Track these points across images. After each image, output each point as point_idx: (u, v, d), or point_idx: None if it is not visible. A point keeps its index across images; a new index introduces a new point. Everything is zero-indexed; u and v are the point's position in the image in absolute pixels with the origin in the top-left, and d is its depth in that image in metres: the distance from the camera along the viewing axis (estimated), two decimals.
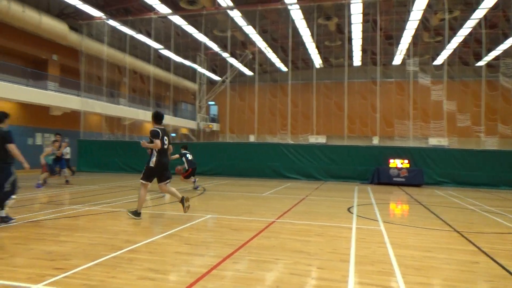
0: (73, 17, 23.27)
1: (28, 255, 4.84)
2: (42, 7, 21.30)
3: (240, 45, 31.12)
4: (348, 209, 9.24)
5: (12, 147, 6.59)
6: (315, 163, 18.33)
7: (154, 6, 22.26)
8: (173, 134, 36.93)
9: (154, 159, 7.31)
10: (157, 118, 7.59)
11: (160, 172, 7.42)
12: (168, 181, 7.55)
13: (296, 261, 4.72)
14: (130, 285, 3.78)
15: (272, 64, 36.48)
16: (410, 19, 23.28)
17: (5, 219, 6.66)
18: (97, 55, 24.66)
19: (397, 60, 33.26)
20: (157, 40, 26.93)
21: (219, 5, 22.16)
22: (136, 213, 7.32)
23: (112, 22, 23.90)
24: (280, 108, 36.26)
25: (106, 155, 20.25)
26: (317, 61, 34.08)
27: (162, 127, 7.52)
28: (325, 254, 5.10)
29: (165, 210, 8.64)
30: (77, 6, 21.44)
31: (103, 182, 15.28)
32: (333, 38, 30.01)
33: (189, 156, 12.93)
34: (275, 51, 32.42)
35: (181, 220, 7.34)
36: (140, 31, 26.21)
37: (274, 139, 31.09)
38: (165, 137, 7.45)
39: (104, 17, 23.02)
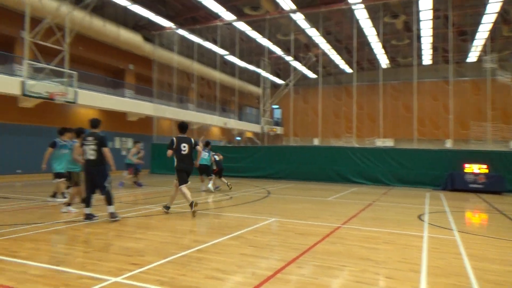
0: (147, 29, 24.83)
1: (108, 250, 5.27)
2: (120, 20, 23.04)
3: (304, 48, 30.98)
4: (419, 217, 8.77)
5: (107, 151, 7.28)
6: (383, 167, 17.63)
7: (219, 14, 23.01)
8: (238, 138, 37.76)
9: (175, 164, 8.26)
10: (179, 127, 8.40)
11: (182, 174, 8.18)
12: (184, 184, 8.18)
13: (363, 269, 4.59)
14: (199, 284, 3.95)
15: (336, 66, 35.82)
16: (486, 12, 21.50)
17: (90, 216, 7.32)
18: (167, 63, 26.06)
19: (472, 57, 30.88)
20: (222, 46, 27.78)
21: (282, 9, 22.31)
22: (192, 205, 7.90)
23: (181, 31, 25.12)
24: (344, 111, 35.44)
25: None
26: (384, 61, 32.81)
27: (183, 136, 8.27)
28: (394, 263, 4.91)
29: (231, 212, 8.87)
30: (150, 18, 22.88)
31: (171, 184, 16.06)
32: (400, 37, 28.71)
33: (217, 157, 13.70)
34: (339, 52, 31.81)
35: (246, 222, 7.49)
36: (206, 39, 27.22)
37: (339, 142, 30.41)
38: (184, 144, 8.15)
39: (174, 27, 24.27)
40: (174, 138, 8.20)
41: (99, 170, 7.29)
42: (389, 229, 7.17)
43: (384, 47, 29.31)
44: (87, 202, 7.34)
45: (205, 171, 13.07)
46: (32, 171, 16.65)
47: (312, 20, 24.11)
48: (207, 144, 13.40)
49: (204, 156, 12.81)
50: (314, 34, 26.15)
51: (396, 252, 5.47)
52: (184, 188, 8.11)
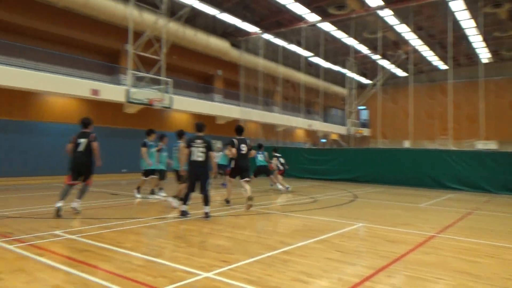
0: (234, 35, 25.84)
1: (200, 246, 5.60)
2: (209, 29, 24.33)
3: (392, 45, 29.49)
4: None
5: (213, 155, 7.90)
6: (484, 172, 15.94)
7: (304, 16, 23.00)
8: (323, 140, 37.29)
9: (232, 162, 9.46)
10: (237, 131, 9.25)
11: (239, 172, 9.33)
12: (247, 179, 9.31)
13: (461, 283, 4.23)
14: (285, 285, 3.99)
15: (429, 63, 33.46)
16: None
17: (185, 213, 7.84)
18: (253, 67, 26.81)
19: None
20: (307, 48, 27.72)
21: (368, 6, 21.52)
22: (226, 201, 9.78)
23: (266, 36, 25.64)
24: (439, 111, 32.88)
25: None
26: (484, 56, 29.76)
27: (240, 137, 9.19)
28: (499, 279, 4.43)
29: (316, 215, 8.80)
30: (237, 25, 23.77)
31: (259, 185, 16.44)
32: (504, 28, 25.73)
33: (282, 160, 14.92)
34: (432, 48, 29.66)
35: (332, 226, 7.38)
36: (291, 41, 27.41)
37: (433, 145, 28.31)
38: (243, 145, 9.15)
39: (259, 31, 24.88)
40: (235, 140, 9.11)
41: (204, 171, 7.76)
42: (493, 241, 6.48)
43: (484, 40, 26.58)
44: (185, 200, 7.85)
45: (264, 171, 13.85)
46: (135, 170, 18.38)
47: (401, 16, 22.86)
48: (260, 147, 14.19)
49: (260, 157, 13.73)
50: (403, 30, 24.76)
51: (502, 267, 4.93)
52: (230, 185, 9.72)
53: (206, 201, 7.74)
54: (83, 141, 8.05)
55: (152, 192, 11.19)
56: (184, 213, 7.82)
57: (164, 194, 11.00)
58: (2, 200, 10.22)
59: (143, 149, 10.71)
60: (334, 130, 37.13)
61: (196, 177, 7.72)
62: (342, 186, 16.72)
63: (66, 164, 17.13)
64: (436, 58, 31.84)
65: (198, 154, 7.69)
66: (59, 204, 7.63)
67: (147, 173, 10.88)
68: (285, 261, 4.87)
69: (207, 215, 7.68)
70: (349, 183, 18.48)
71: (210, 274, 4.25)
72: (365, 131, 38.77)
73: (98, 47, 19.86)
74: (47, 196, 11.37)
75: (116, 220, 7.52)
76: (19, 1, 16.07)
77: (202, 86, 25.47)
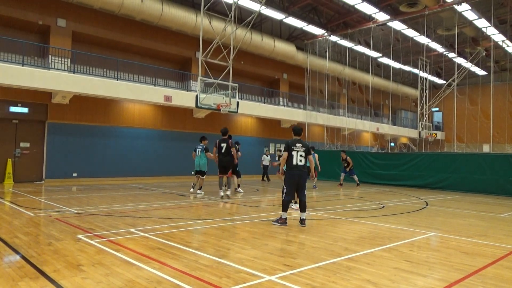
0: (300, 38, 25.77)
1: (263, 249, 5.67)
2: (275, 33, 24.56)
3: (470, 42, 27.37)
4: None
5: (311, 159, 7.97)
6: None
7: (373, 15, 22.26)
8: (392, 144, 35.71)
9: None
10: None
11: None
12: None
13: None
14: None
15: None
16: None
17: (285, 221, 7.57)
18: (319, 70, 26.51)
19: None
20: (375, 48, 26.79)
21: (444, 1, 20.21)
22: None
23: (332, 38, 25.21)
24: None
25: (327, 164, 21.43)
26: None
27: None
28: None
29: (384, 222, 8.47)
30: (303, 28, 23.67)
31: (324, 189, 16.22)
32: None
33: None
34: None
35: (400, 234, 7.06)
36: (358, 42, 26.66)
37: None
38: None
39: (326, 34, 24.54)
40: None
41: (305, 176, 7.64)
42: None
43: None
44: (286, 207, 7.57)
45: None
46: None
47: (481, 10, 21.15)
48: (312, 148, 15.43)
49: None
50: (483, 25, 22.88)
51: None
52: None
53: (304, 207, 7.64)
54: (224, 145, 11.51)
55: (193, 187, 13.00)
56: (285, 221, 7.53)
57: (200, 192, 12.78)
58: (86, 198, 11.23)
59: (193, 154, 12.80)
60: (404, 133, 35.40)
61: (297, 181, 7.52)
62: (412, 193, 15.88)
63: (141, 167, 18.39)
64: None
65: (299, 158, 7.49)
66: (221, 193, 11.71)
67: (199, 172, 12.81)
68: (350, 268, 4.76)
69: (303, 222, 7.56)
70: (420, 189, 17.52)
71: (273, 278, 4.30)
72: (439, 135, 36.43)
73: (171, 56, 21.01)
74: (124, 196, 12.27)
75: (185, 220, 7.90)
76: (101, 16, 17.58)
77: (267, 90, 25.76)
